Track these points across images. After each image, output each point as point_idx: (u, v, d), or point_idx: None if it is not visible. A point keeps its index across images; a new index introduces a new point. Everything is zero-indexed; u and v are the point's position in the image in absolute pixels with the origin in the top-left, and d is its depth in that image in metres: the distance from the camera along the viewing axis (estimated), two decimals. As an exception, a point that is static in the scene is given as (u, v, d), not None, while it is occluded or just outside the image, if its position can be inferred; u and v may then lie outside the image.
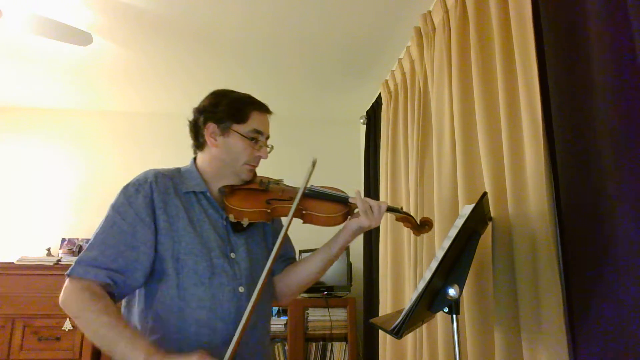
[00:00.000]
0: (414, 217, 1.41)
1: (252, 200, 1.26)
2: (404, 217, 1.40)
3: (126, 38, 2.68)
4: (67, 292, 1.11)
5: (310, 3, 2.33)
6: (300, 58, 2.92)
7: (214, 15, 2.44)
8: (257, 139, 1.29)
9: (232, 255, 1.24)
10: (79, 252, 3.34)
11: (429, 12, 2.23)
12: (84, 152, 3.70)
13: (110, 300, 1.11)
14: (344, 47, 2.78)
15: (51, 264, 2.97)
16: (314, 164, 1.28)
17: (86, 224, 3.51)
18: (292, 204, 1.24)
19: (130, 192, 1.21)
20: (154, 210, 1.19)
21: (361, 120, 3.63)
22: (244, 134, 1.27)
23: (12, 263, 2.94)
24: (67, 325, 2.84)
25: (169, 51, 2.84)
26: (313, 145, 3.84)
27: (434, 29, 2.19)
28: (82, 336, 2.85)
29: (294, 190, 1.32)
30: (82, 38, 2.37)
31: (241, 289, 1.21)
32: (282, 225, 1.42)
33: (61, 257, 3.09)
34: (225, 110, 1.27)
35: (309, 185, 1.30)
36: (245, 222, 1.24)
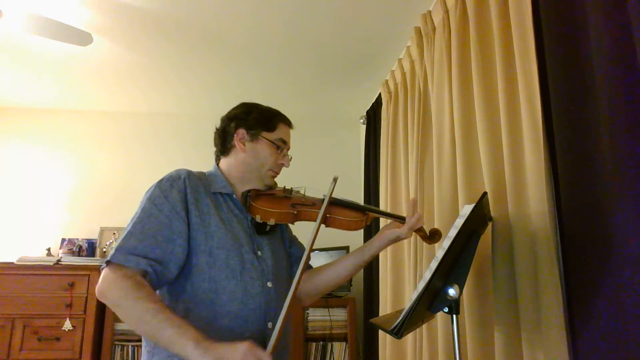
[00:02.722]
0: (424, 229, 1.45)
1: (278, 204, 1.35)
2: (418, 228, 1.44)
3: (128, 38, 2.67)
4: (107, 281, 1.11)
5: (310, 4, 2.33)
6: (299, 58, 2.92)
7: (219, 17, 2.44)
8: (282, 148, 1.39)
9: (259, 253, 1.30)
10: (79, 252, 3.34)
11: (429, 12, 2.23)
12: (84, 152, 3.70)
13: (152, 289, 1.12)
14: (344, 47, 2.78)
15: (51, 264, 2.97)
16: (335, 180, 1.41)
17: (86, 223, 3.52)
18: (315, 209, 1.34)
19: (165, 186, 1.23)
20: (187, 205, 1.23)
21: (361, 120, 3.63)
22: (272, 141, 1.37)
23: (12, 263, 2.94)
24: (67, 325, 2.84)
25: (173, 52, 2.84)
26: (313, 145, 3.84)
27: (434, 29, 2.19)
28: (82, 336, 2.85)
29: (315, 198, 1.41)
30: (82, 38, 2.37)
31: (269, 284, 1.27)
32: (295, 236, 1.56)
33: (61, 257, 3.09)
34: (256, 118, 1.38)
35: (336, 197, 1.41)
36: (271, 222, 1.32)
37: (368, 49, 2.79)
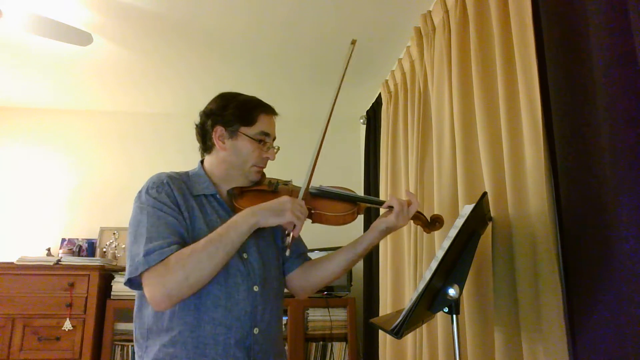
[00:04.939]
0: (425, 215, 1.40)
1: (262, 201, 1.28)
2: (416, 215, 1.39)
3: (128, 38, 2.67)
4: (156, 284, 1.08)
5: (308, 4, 2.33)
6: (299, 58, 2.92)
7: (218, 17, 2.44)
8: (265, 141, 1.32)
9: (245, 255, 1.25)
10: (79, 252, 3.34)
11: (429, 12, 2.23)
12: (84, 152, 3.70)
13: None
14: (344, 48, 2.76)
15: (51, 264, 2.97)
16: (354, 43, 1.35)
17: (86, 223, 3.52)
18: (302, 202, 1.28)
19: (153, 193, 1.20)
20: (179, 208, 1.21)
21: (361, 120, 3.63)
22: (252, 136, 1.29)
23: (12, 263, 2.94)
24: (67, 325, 2.84)
25: (172, 52, 2.84)
26: (313, 145, 3.83)
27: (434, 29, 2.19)
28: (82, 336, 2.85)
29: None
30: (82, 38, 2.37)
31: (255, 288, 1.23)
32: None
33: (61, 257, 3.09)
34: (234, 113, 1.29)
35: (322, 187, 1.34)
36: None
37: (368, 49, 2.79)
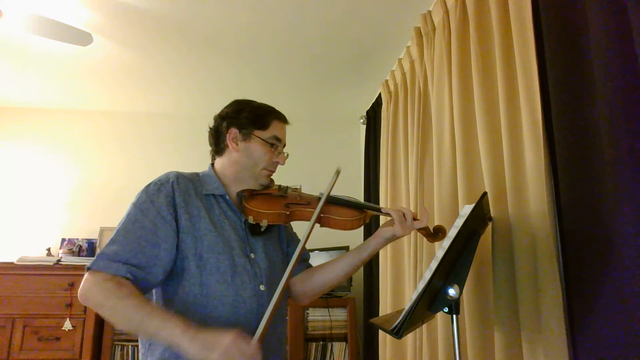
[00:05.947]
0: (429, 226, 1.42)
1: (271, 203, 1.32)
2: None
3: (128, 38, 2.67)
4: (88, 285, 1.12)
5: (311, 4, 2.33)
6: (299, 58, 2.92)
7: (218, 17, 2.44)
8: (276, 145, 1.35)
9: (252, 255, 1.28)
10: (79, 252, 3.34)
11: (429, 12, 2.23)
12: (84, 152, 3.71)
13: (134, 287, 1.12)
14: (344, 48, 2.77)
15: (51, 264, 2.98)
16: (337, 174, 1.37)
17: (86, 223, 3.52)
18: (310, 208, 1.31)
19: (152, 190, 1.23)
20: (176, 209, 1.22)
21: (361, 120, 3.63)
22: (265, 140, 1.33)
23: (12, 263, 2.95)
24: (67, 325, 2.84)
25: (172, 52, 2.84)
26: (313, 145, 3.84)
27: (434, 29, 2.19)
28: (82, 336, 2.85)
29: (312, 196, 1.37)
30: (82, 38, 2.37)
31: (262, 288, 1.24)
32: (295, 233, 1.50)
33: (61, 257, 3.09)
34: (248, 117, 1.34)
35: (331, 194, 1.35)
36: (264, 223, 1.29)
37: (368, 49, 2.79)
